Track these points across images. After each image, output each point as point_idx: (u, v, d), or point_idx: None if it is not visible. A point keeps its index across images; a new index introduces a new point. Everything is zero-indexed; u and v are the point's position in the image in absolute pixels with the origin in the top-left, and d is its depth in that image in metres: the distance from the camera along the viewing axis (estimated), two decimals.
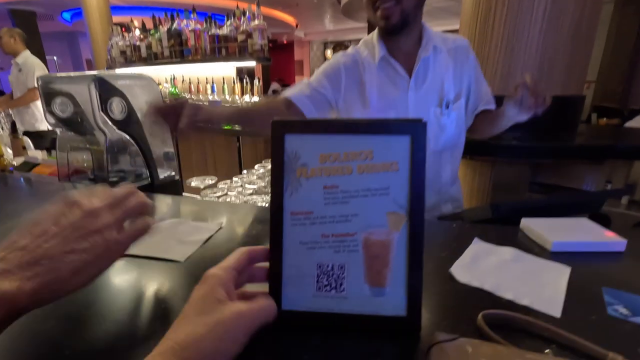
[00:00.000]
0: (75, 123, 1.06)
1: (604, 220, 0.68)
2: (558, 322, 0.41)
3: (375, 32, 1.04)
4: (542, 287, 0.47)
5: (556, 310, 0.43)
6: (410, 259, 0.38)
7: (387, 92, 1.02)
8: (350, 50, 1.08)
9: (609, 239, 0.58)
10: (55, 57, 7.88)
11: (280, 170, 0.39)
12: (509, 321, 0.40)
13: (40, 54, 4.93)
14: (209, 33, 2.79)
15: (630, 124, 3.44)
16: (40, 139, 2.16)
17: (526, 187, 1.74)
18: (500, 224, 0.80)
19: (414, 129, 0.38)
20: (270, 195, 0.39)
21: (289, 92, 1.03)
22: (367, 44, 1.06)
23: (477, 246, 0.58)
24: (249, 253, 0.39)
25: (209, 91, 2.98)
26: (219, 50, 2.80)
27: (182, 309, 0.32)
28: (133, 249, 0.39)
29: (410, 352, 0.37)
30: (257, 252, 0.39)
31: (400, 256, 0.38)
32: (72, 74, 1.05)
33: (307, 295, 0.39)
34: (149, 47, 3.29)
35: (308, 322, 0.39)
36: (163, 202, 0.87)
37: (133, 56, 3.48)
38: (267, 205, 1.10)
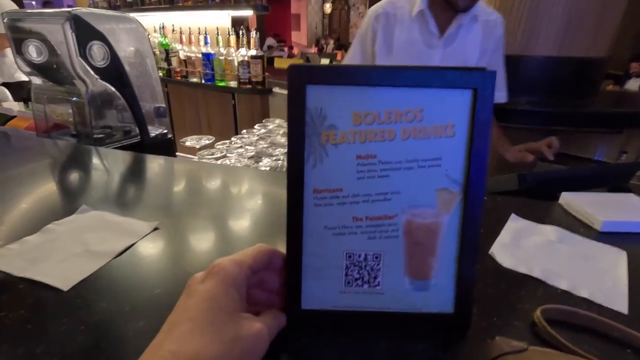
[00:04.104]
0: (51, 70, 0.93)
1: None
2: (626, 319, 0.35)
3: None
4: (600, 276, 0.41)
5: (622, 305, 0.36)
6: (463, 246, 0.31)
7: (415, 44, 1.06)
8: (383, 4, 1.12)
9: None
10: (34, 2, 7.32)
11: (300, 134, 0.29)
12: (570, 318, 0.34)
13: None
14: None
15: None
16: (21, 90, 2.00)
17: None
18: (527, 196, 0.73)
19: (480, 81, 0.29)
20: (286, 166, 0.30)
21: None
22: None
23: (516, 224, 0.51)
24: (270, 253, 0.30)
25: (202, 42, 2.76)
26: None
27: (181, 304, 0.25)
28: (4, 261, 0.26)
29: (461, 358, 0.31)
30: (277, 256, 0.31)
31: (450, 243, 0.31)
32: (43, 10, 0.90)
33: (334, 290, 0.31)
34: None
35: (334, 322, 0.32)
36: (155, 163, 0.78)
37: (117, 0, 3.20)
38: (270, 169, 1.02)
